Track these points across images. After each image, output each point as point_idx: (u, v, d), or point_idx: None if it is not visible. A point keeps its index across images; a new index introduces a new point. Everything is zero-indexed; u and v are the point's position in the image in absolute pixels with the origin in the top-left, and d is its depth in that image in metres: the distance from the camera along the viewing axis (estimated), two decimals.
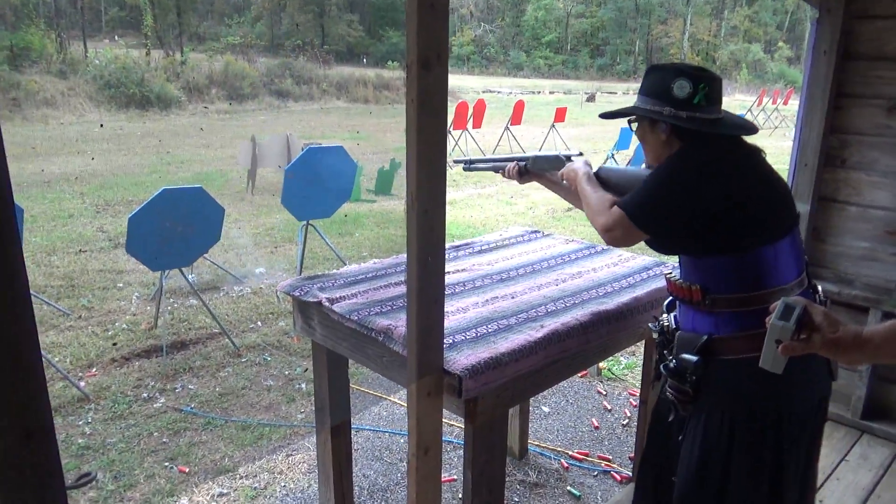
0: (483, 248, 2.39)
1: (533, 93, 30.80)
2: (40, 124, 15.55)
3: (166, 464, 2.87)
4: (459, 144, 11.78)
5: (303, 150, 4.72)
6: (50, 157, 10.99)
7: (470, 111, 11.80)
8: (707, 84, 1.46)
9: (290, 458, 2.89)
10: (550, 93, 30.56)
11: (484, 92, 29.25)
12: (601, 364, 3.66)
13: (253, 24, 44.65)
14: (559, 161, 1.89)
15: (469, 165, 2.13)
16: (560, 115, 12.76)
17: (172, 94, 19.26)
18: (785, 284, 1.43)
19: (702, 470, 1.47)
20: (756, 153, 1.50)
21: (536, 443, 2.97)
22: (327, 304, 1.81)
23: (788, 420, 1.42)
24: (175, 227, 3.64)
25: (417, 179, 1.33)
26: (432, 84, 1.29)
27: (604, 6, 48.14)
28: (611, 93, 33.51)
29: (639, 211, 1.48)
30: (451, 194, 8.91)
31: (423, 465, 1.51)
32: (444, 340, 1.58)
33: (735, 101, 26.79)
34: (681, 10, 46.15)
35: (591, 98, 27.31)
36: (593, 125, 17.03)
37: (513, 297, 1.89)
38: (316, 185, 4.25)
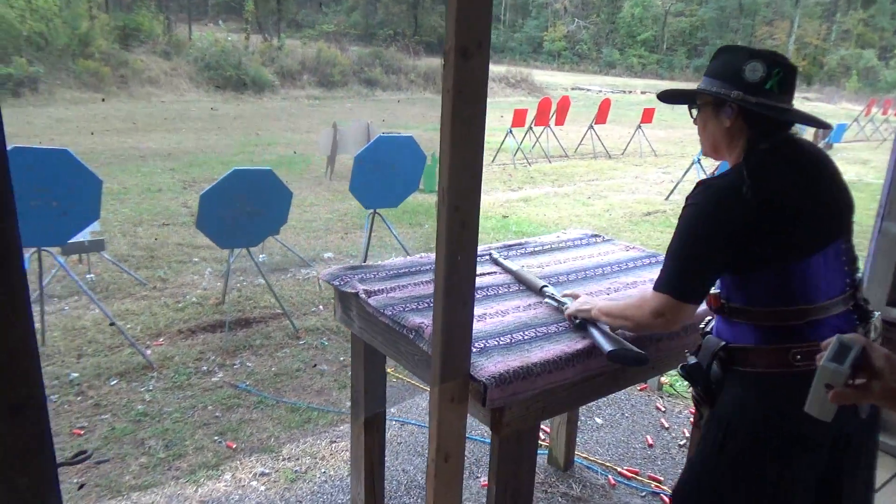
0: (536, 249, 2.29)
1: (624, 92, 30.00)
2: (143, 101, 16.44)
3: (216, 437, 2.94)
4: (540, 141, 11.59)
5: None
6: (148, 133, 11.58)
7: (553, 108, 11.57)
8: (782, 70, 1.35)
9: (334, 445, 2.90)
10: (642, 92, 29.65)
11: (572, 89, 28.74)
12: (663, 379, 3.49)
13: (349, 13, 45.61)
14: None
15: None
16: (647, 115, 12.33)
17: (266, 79, 19.92)
18: (814, 303, 1.31)
19: (698, 475, 1.45)
20: (814, 161, 1.38)
21: (584, 455, 2.85)
22: (364, 296, 1.77)
23: (795, 443, 1.31)
24: (244, 207, 3.72)
25: (450, 174, 1.26)
26: (471, 74, 1.22)
27: (705, 5, 46.24)
28: None
29: (671, 285, 1.37)
30: (527, 191, 8.78)
31: (443, 472, 1.45)
32: (475, 345, 1.51)
33: (841, 110, 25.22)
34: (788, 11, 43.71)
35: None
36: (683, 128, 16.38)
37: None
38: (384, 173, 4.25)
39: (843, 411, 1.28)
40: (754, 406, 1.35)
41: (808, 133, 12.54)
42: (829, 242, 1.34)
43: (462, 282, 1.35)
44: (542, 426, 2.99)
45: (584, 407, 3.20)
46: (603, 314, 1.56)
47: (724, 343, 1.41)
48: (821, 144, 11.58)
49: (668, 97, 1.53)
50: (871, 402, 0.98)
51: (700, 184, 1.38)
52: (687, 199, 1.38)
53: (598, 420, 3.18)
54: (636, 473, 2.74)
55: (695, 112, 1.48)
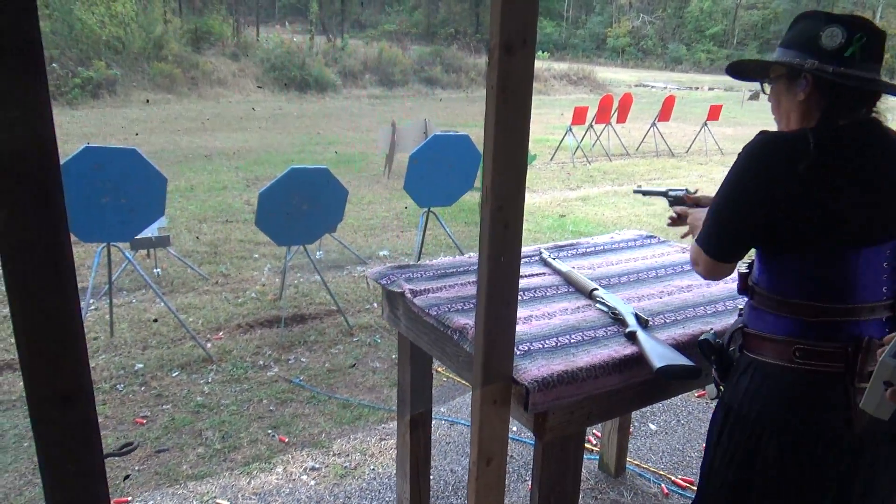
0: (588, 250, 2.24)
1: (690, 88, 29.15)
2: (212, 101, 17.00)
3: (269, 431, 3.00)
4: (601, 139, 11.38)
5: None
6: (215, 133, 11.96)
7: (615, 105, 11.34)
8: (866, 35, 1.22)
9: (384, 443, 2.92)
10: (710, 89, 28.77)
11: (636, 86, 28.13)
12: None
13: (411, 12, 46.02)
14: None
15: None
16: (714, 112, 11.94)
17: (329, 78, 20.29)
18: (838, 304, 1.24)
19: (708, 460, 1.45)
20: (884, 143, 1.26)
21: (637, 462, 2.78)
22: (409, 295, 1.77)
23: (785, 437, 1.28)
24: (301, 205, 3.79)
25: (493, 173, 1.24)
26: (515, 71, 1.19)
27: None
28: None
29: (708, 241, 1.35)
30: (586, 190, 8.64)
31: (485, 475, 1.43)
32: (520, 347, 1.48)
33: None
34: (871, 1, 41.56)
35: (754, 96, 25.27)
36: (753, 125, 15.78)
37: None
38: (439, 172, 4.25)
39: (836, 417, 1.24)
40: (753, 395, 1.32)
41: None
42: (874, 243, 1.24)
43: (505, 283, 1.32)
44: (593, 431, 2.93)
45: (637, 413, 3.12)
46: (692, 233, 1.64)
47: (741, 326, 1.40)
48: None
49: (737, 71, 1.42)
50: None
51: (762, 133, 1.28)
52: (744, 147, 1.29)
53: (653, 426, 3.09)
54: (691, 483, 2.65)
55: (767, 87, 1.37)
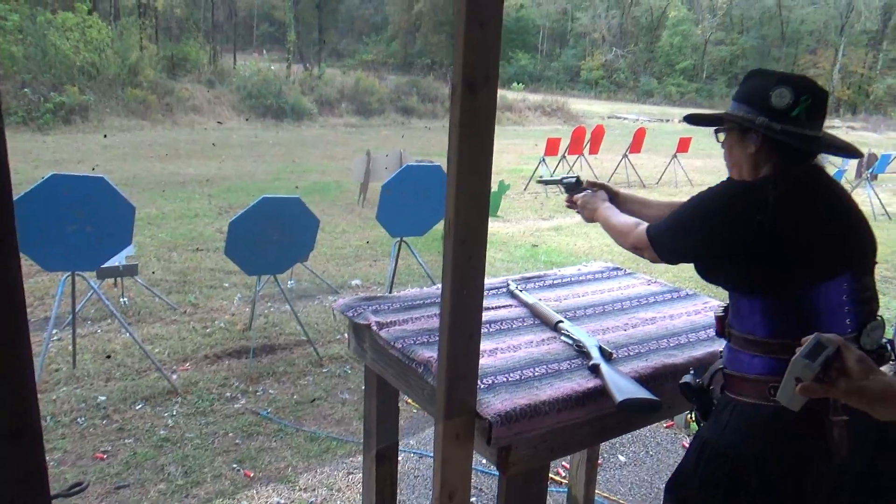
0: (555, 282, 2.26)
1: (661, 120, 29.77)
2: (187, 128, 16.93)
3: (234, 465, 2.93)
4: (574, 170, 11.53)
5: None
6: (189, 160, 11.89)
7: (587, 137, 11.53)
8: (811, 96, 1.33)
9: (351, 477, 2.87)
10: (680, 121, 29.35)
11: (609, 118, 28.66)
12: (689, 416, 3.37)
13: (388, 42, 46.54)
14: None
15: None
16: (684, 144, 12.18)
17: (305, 107, 20.36)
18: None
19: (673, 483, 1.48)
20: (835, 193, 1.38)
21: (605, 494, 2.77)
22: (375, 328, 1.76)
23: (756, 478, 1.30)
24: (272, 235, 3.77)
25: (456, 208, 1.25)
26: (477, 108, 1.21)
27: (746, 34, 45.88)
28: None
29: (659, 238, 1.49)
30: (558, 220, 8.72)
31: None
32: (484, 380, 1.48)
33: (887, 140, 24.60)
34: (833, 39, 43.04)
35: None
36: (721, 157, 16.12)
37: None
38: (412, 202, 4.26)
39: (814, 454, 1.26)
40: (733, 433, 1.35)
41: (850, 164, 12.23)
42: (832, 277, 1.30)
43: (468, 316, 1.32)
44: (561, 463, 2.91)
45: (606, 444, 3.11)
46: (600, 219, 1.77)
47: (721, 367, 1.46)
48: (865, 175, 11.28)
49: (694, 120, 1.53)
50: (835, 397, 1.03)
51: (728, 181, 1.42)
52: (710, 190, 1.41)
53: (622, 458, 3.09)
54: None
55: (721, 136, 1.47)
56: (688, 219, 1.43)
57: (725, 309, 1.47)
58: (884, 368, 1.31)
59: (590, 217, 1.85)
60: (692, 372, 1.52)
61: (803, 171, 1.37)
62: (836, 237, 1.32)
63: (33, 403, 0.90)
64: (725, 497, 1.35)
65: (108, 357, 3.86)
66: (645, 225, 1.55)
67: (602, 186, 1.92)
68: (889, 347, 1.34)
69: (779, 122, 1.33)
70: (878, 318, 1.34)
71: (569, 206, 1.97)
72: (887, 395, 0.98)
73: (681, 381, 1.49)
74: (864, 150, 13.04)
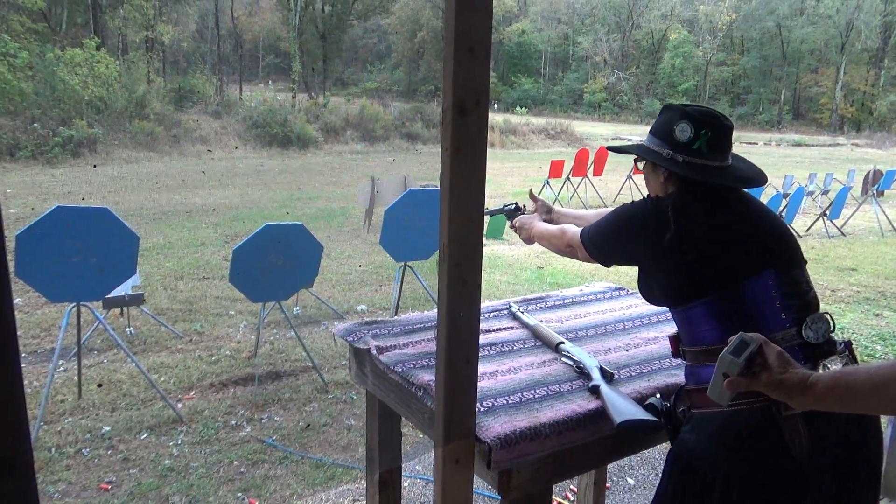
0: (557, 303, 2.25)
1: None
2: (194, 159, 17.10)
3: (239, 494, 2.91)
4: (578, 192, 11.56)
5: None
6: (196, 190, 12.00)
7: (591, 158, 11.57)
8: (710, 130, 1.43)
9: None
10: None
11: (613, 139, 28.77)
12: None
13: (392, 70, 47.12)
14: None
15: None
16: None
17: (311, 135, 20.56)
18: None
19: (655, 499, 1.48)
20: (738, 196, 1.48)
21: None
22: (375, 352, 1.75)
23: (721, 483, 1.31)
24: (275, 261, 3.78)
25: (450, 231, 1.25)
26: (468, 131, 1.22)
27: (747, 54, 46.21)
28: (751, 143, 31.79)
29: (591, 240, 1.59)
30: None
31: None
32: (484, 403, 1.47)
33: (894, 156, 24.60)
34: (834, 58, 43.27)
35: None
36: None
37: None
38: (415, 226, 4.28)
39: (777, 457, 1.28)
40: (695, 445, 1.37)
41: (855, 180, 12.19)
42: (754, 274, 1.35)
43: (465, 340, 1.32)
44: (570, 486, 2.88)
45: (614, 467, 3.08)
46: (535, 235, 1.88)
47: (683, 386, 1.49)
48: (871, 191, 11.24)
49: (615, 150, 1.67)
50: (758, 389, 1.10)
51: (647, 199, 1.52)
52: (632, 204, 1.54)
53: (631, 481, 3.05)
54: None
55: (641, 164, 1.59)
56: (608, 229, 1.56)
57: (678, 331, 1.51)
58: (833, 360, 1.34)
59: (527, 237, 1.96)
60: (658, 395, 1.54)
61: (706, 189, 1.45)
62: (748, 237, 1.39)
63: (25, 434, 0.90)
64: None
65: (100, 385, 3.85)
66: (579, 228, 1.67)
67: (539, 202, 2.07)
68: (845, 347, 1.36)
69: (681, 153, 1.44)
70: (823, 313, 1.37)
71: (512, 229, 2.09)
72: (802, 386, 1.06)
73: (645, 403, 1.51)
74: (870, 167, 13.02)
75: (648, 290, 1.52)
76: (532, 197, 2.12)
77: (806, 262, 1.46)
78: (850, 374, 1.06)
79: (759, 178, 1.49)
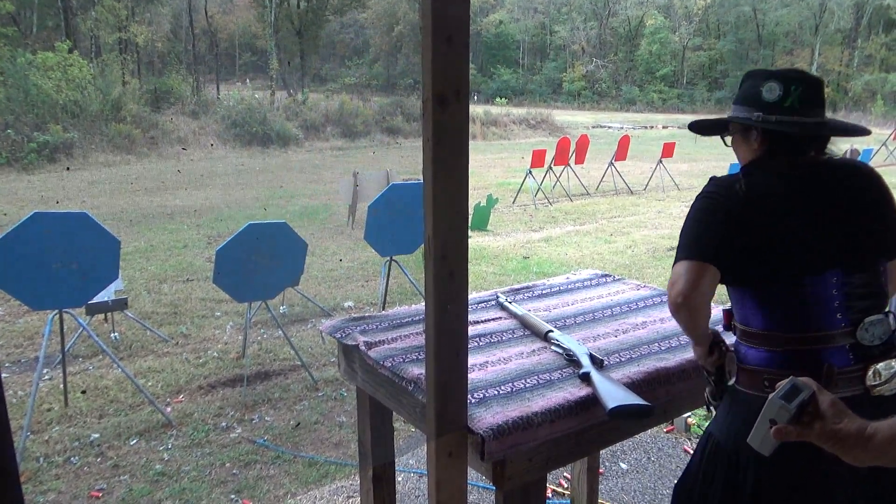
0: (545, 291, 2.25)
1: (645, 127, 30.02)
2: (173, 160, 16.90)
3: (232, 496, 2.89)
4: (561, 181, 11.59)
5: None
6: (176, 191, 11.87)
7: (572, 147, 11.60)
8: (799, 85, 1.35)
9: (350, 501, 2.84)
10: (664, 127, 29.65)
11: (594, 127, 28.89)
12: (690, 419, 3.37)
13: (371, 65, 46.85)
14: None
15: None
16: (668, 150, 12.27)
17: (291, 132, 20.40)
18: (797, 333, 1.31)
19: (680, 481, 1.49)
20: (829, 183, 1.37)
21: (609, 503, 2.74)
22: (364, 348, 1.74)
23: (751, 471, 1.31)
24: (259, 261, 3.75)
25: (434, 223, 1.24)
26: (449, 122, 1.21)
27: (723, 38, 46.47)
28: None
29: (694, 246, 1.36)
30: (548, 231, 8.74)
31: None
32: (475, 395, 1.47)
33: (871, 135, 24.84)
34: (808, 39, 43.67)
35: None
36: (707, 160, 16.28)
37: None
38: (399, 221, 4.26)
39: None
40: (730, 425, 1.37)
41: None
42: (816, 273, 1.30)
43: (454, 333, 1.31)
44: (563, 473, 2.89)
45: (607, 452, 3.10)
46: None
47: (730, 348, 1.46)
48: None
49: (698, 128, 1.54)
50: (809, 440, 1.01)
51: (711, 179, 1.43)
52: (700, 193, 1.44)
53: (623, 465, 3.07)
54: None
55: (728, 139, 1.50)
56: (691, 221, 1.40)
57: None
58: (887, 364, 1.29)
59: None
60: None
61: (794, 162, 1.37)
62: (816, 233, 1.32)
63: (8, 445, 0.88)
64: (723, 490, 1.35)
65: (84, 393, 3.81)
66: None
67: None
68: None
69: (773, 114, 1.35)
70: (885, 313, 1.31)
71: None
72: (860, 438, 0.97)
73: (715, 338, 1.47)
74: (847, 147, 13.17)
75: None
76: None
77: (891, 257, 1.37)
78: None
79: (858, 129, 1.42)
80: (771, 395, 1.02)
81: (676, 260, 1.39)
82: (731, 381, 1.44)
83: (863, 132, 1.43)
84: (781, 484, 1.29)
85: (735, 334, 1.45)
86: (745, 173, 1.38)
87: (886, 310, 1.34)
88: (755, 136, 1.40)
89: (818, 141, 1.40)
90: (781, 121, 1.34)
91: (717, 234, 1.35)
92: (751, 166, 1.40)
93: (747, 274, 1.35)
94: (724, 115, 1.48)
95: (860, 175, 1.40)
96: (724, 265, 1.35)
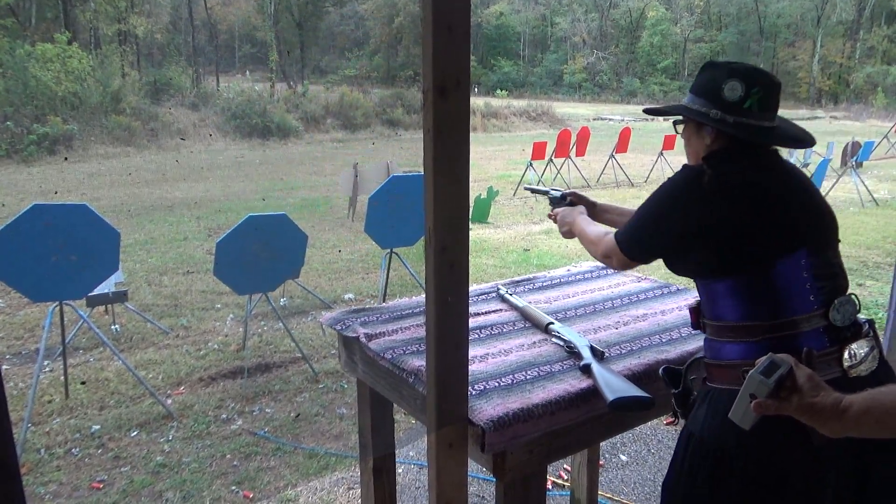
0: (545, 284, 2.25)
1: (646, 120, 29.92)
2: (173, 152, 16.88)
3: (233, 487, 2.90)
4: (561, 173, 11.57)
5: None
6: (176, 183, 11.85)
7: (573, 139, 11.57)
8: (762, 88, 1.36)
9: (351, 492, 2.84)
10: (664, 119, 29.52)
11: (595, 119, 28.79)
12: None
13: (371, 56, 46.68)
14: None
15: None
16: (669, 142, 12.24)
17: (291, 124, 20.35)
18: (773, 320, 1.30)
19: (666, 480, 1.46)
20: (784, 170, 1.41)
21: (609, 495, 2.75)
22: (364, 340, 1.74)
23: (737, 464, 1.30)
24: (260, 253, 3.75)
25: (435, 214, 1.24)
26: (450, 113, 1.20)
27: (724, 30, 46.30)
28: None
29: (626, 238, 1.48)
30: (549, 224, 8.71)
31: None
32: (476, 386, 1.47)
33: (870, 128, 24.83)
34: (810, 31, 43.50)
35: None
36: None
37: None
38: (399, 213, 4.25)
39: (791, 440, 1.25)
40: (711, 424, 1.35)
41: (834, 153, 12.30)
42: (786, 253, 1.31)
43: (454, 324, 1.31)
44: (563, 465, 2.90)
45: (607, 444, 3.10)
46: (576, 232, 1.78)
47: (696, 357, 1.49)
48: (850, 163, 11.35)
49: (654, 112, 1.57)
50: (787, 413, 1.04)
51: (683, 167, 1.43)
52: (669, 178, 1.45)
53: (623, 457, 3.07)
54: None
55: (680, 127, 1.50)
56: (647, 212, 1.45)
57: (700, 301, 1.47)
58: (860, 344, 1.31)
59: (567, 232, 1.86)
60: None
61: (751, 153, 1.39)
62: (786, 213, 1.34)
63: (8, 439, 0.88)
64: (710, 487, 1.34)
65: (83, 384, 3.81)
66: (613, 232, 1.56)
67: (581, 200, 1.94)
68: (868, 327, 1.34)
69: (732, 114, 1.36)
70: (850, 295, 1.34)
71: (550, 218, 2.01)
72: (835, 411, 1.00)
73: (662, 367, 1.51)
74: (848, 139, 13.14)
75: (674, 262, 1.47)
76: (574, 194, 1.98)
77: (839, 241, 1.41)
78: (888, 394, 1.00)
79: (807, 139, 1.44)
80: (750, 371, 1.05)
81: (620, 238, 1.49)
82: (707, 383, 1.44)
83: (811, 143, 1.45)
84: (770, 476, 1.28)
85: (706, 332, 1.44)
86: (710, 165, 1.37)
87: (848, 292, 1.37)
88: (709, 132, 1.41)
89: (767, 145, 1.43)
90: (738, 123, 1.36)
91: (661, 244, 1.45)
92: (715, 158, 1.40)
93: (721, 266, 1.35)
94: (681, 103, 1.47)
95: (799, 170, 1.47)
96: (695, 261, 1.39)
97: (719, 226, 1.32)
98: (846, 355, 1.29)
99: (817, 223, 1.37)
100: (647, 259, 1.49)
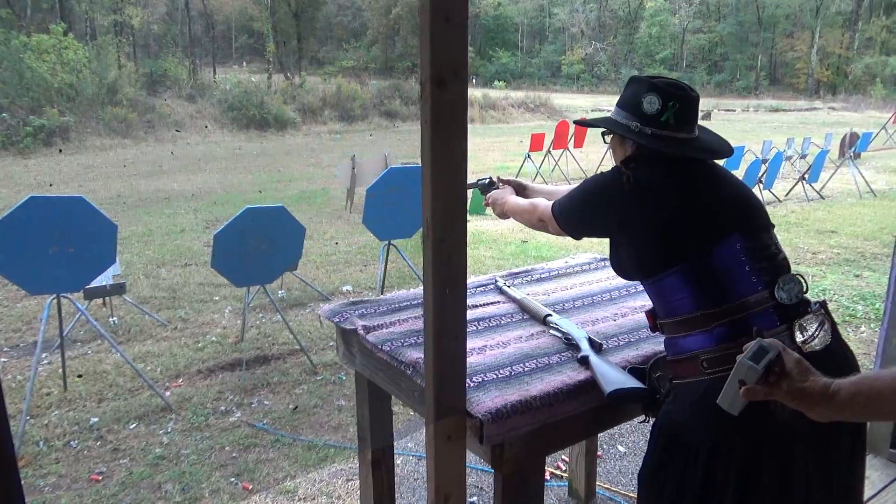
0: (543, 276, 2.25)
1: None
2: (170, 144, 16.83)
3: (232, 479, 2.91)
4: (559, 165, 11.55)
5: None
6: (173, 175, 11.82)
7: (571, 131, 11.55)
8: (678, 102, 1.42)
9: (350, 483, 2.85)
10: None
11: (592, 111, 28.71)
12: None
13: (368, 47, 46.51)
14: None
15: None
16: None
17: (288, 116, 20.29)
18: (719, 306, 1.33)
19: (640, 474, 1.47)
20: (707, 167, 1.47)
21: (607, 486, 2.76)
22: (362, 332, 1.74)
23: (704, 452, 1.31)
24: (258, 245, 3.74)
25: (433, 206, 1.23)
26: (448, 104, 1.19)
27: (723, 21, 46.17)
28: (728, 110, 31.91)
29: (561, 213, 1.56)
30: None
31: None
32: (474, 378, 1.47)
33: (869, 119, 24.80)
34: (809, 22, 43.39)
35: (706, 115, 26.09)
36: None
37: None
38: (397, 204, 4.25)
39: (759, 421, 1.26)
40: (676, 414, 1.37)
41: (833, 144, 12.29)
42: (720, 239, 1.34)
43: (452, 316, 1.31)
44: (561, 456, 2.91)
45: (605, 435, 3.11)
46: (508, 210, 1.85)
47: (660, 355, 1.51)
48: (848, 154, 11.35)
49: (582, 124, 1.64)
50: (777, 398, 1.05)
51: (613, 170, 1.49)
52: (601, 175, 1.50)
53: (621, 448, 3.08)
54: None
55: (608, 137, 1.58)
56: (578, 201, 1.53)
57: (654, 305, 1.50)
58: (807, 319, 1.32)
59: (500, 212, 1.92)
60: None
61: (663, 159, 1.45)
62: (713, 203, 1.39)
63: (6, 434, 0.88)
64: (681, 477, 1.35)
65: (80, 377, 3.81)
66: (551, 202, 1.64)
67: (510, 182, 2.02)
68: (820, 307, 1.35)
69: (650, 126, 1.42)
70: (794, 274, 1.36)
71: (486, 206, 2.04)
72: (824, 395, 1.01)
73: (629, 368, 1.53)
74: (846, 130, 13.13)
75: (619, 263, 1.51)
76: (501, 179, 2.08)
77: (773, 225, 1.46)
78: (875, 378, 1.01)
79: (724, 150, 1.49)
80: (739, 358, 1.05)
81: (556, 212, 1.57)
82: (659, 375, 1.49)
83: (728, 154, 1.49)
84: (743, 458, 1.29)
85: (664, 332, 1.46)
86: (629, 168, 1.42)
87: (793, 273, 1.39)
88: (630, 143, 1.49)
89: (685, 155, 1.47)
90: (656, 135, 1.42)
91: (589, 230, 1.57)
92: (633, 161, 1.45)
93: (660, 261, 1.38)
94: (609, 115, 1.54)
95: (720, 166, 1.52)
96: (635, 260, 1.44)
97: (642, 224, 1.39)
98: (797, 332, 1.31)
99: (745, 208, 1.42)
100: (577, 237, 1.60)
